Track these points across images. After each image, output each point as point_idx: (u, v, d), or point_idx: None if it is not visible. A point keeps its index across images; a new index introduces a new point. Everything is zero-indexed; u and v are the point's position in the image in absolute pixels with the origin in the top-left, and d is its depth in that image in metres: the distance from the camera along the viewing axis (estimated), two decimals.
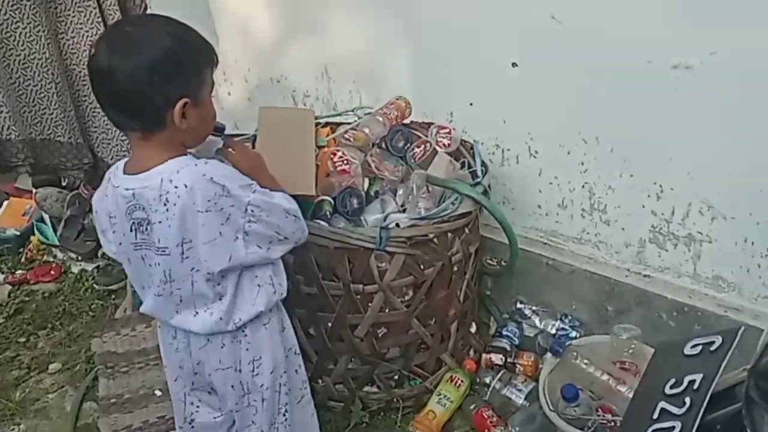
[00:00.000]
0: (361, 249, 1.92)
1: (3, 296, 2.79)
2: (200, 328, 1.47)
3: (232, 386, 1.55)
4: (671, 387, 1.01)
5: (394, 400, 2.15)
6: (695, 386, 0.98)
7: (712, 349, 1.03)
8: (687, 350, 1.06)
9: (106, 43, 1.31)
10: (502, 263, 2.40)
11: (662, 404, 0.99)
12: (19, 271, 2.92)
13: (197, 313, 1.46)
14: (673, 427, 0.93)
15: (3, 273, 2.92)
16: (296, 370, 1.67)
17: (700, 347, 1.04)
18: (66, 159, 2.69)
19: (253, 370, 1.54)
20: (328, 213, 2.02)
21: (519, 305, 2.38)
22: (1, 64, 2.63)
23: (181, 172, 1.32)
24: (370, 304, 2.01)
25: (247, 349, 1.52)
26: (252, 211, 1.38)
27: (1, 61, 2.62)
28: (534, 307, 2.36)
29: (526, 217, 2.40)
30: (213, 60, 1.39)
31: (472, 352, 2.31)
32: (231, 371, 1.53)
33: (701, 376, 0.98)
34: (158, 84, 1.29)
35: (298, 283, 2.02)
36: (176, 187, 1.31)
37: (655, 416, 0.98)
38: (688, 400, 0.96)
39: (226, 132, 1.55)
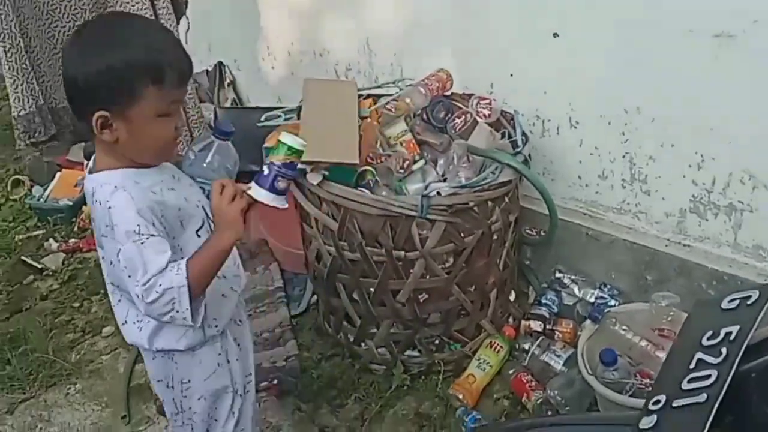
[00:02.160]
0: (403, 216, 1.97)
1: (57, 264, 2.92)
2: (126, 337, 1.47)
3: (168, 399, 1.55)
4: (708, 339, 1.04)
5: (435, 363, 2.21)
6: (731, 337, 1.01)
7: (749, 302, 1.06)
8: (724, 305, 1.08)
9: (69, 41, 1.35)
10: (542, 233, 2.43)
11: (699, 354, 1.02)
12: (72, 240, 3.04)
13: (126, 322, 1.45)
14: (709, 375, 0.97)
15: (57, 242, 3.04)
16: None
17: (737, 301, 1.07)
18: None
19: (182, 391, 1.51)
20: (371, 182, 2.07)
21: (558, 274, 2.41)
22: (46, 35, 2.75)
23: (103, 188, 1.30)
24: (411, 271, 2.07)
25: (176, 368, 1.49)
26: (119, 259, 1.29)
27: (47, 32, 2.74)
28: (573, 277, 2.39)
29: (565, 188, 2.42)
30: (157, 79, 1.23)
31: (511, 320, 2.35)
32: (163, 385, 1.53)
33: (737, 328, 1.01)
34: (76, 95, 1.28)
35: (342, 249, 2.08)
36: (96, 200, 1.31)
37: (692, 366, 1.01)
38: (724, 350, 1.00)
39: (225, 132, 1.44)
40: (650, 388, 1.64)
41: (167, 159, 1.38)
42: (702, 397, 0.94)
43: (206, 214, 1.40)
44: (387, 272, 2.07)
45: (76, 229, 3.13)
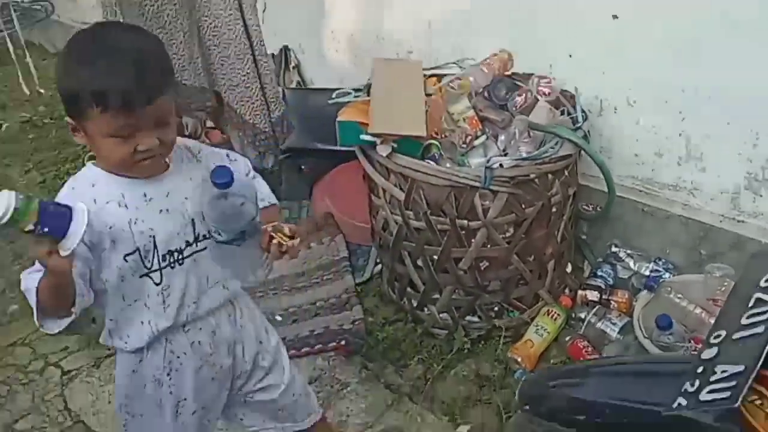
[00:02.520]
0: (467, 187, 2.09)
1: None
2: None
3: None
4: (767, 281, 1.13)
5: (495, 328, 2.33)
6: None
7: None
8: None
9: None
10: (598, 209, 2.52)
11: (758, 294, 1.11)
12: None
13: None
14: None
15: None
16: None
17: None
18: (191, 101, 2.96)
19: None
20: (436, 155, 2.19)
21: (614, 249, 2.50)
22: (138, 12, 2.91)
23: (70, 181, 1.36)
24: (473, 240, 2.18)
25: None
26: None
27: (139, 10, 2.91)
28: (628, 251, 2.48)
29: (622, 166, 2.50)
30: (100, 103, 1.20)
31: (567, 291, 2.45)
32: None
33: None
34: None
35: (408, 219, 2.21)
36: None
37: (751, 305, 1.11)
38: None
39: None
40: None
41: (146, 174, 1.34)
42: (760, 329, 1.03)
43: (154, 245, 1.35)
44: (450, 240, 2.19)
45: None
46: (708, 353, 1.10)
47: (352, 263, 2.75)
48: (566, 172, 2.20)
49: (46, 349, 2.54)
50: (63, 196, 1.32)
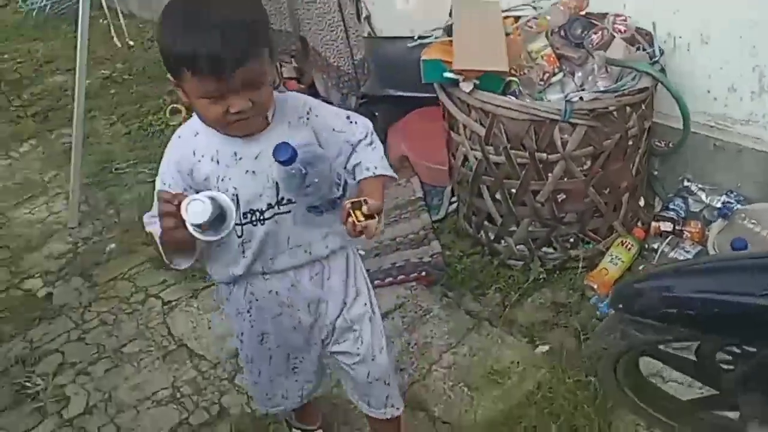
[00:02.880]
0: (546, 120, 2.18)
1: None
2: None
3: None
4: None
5: (570, 259, 2.43)
6: None
7: None
8: None
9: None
10: (670, 145, 2.59)
11: None
12: None
13: None
14: None
15: None
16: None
17: None
18: (276, 44, 3.12)
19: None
20: (516, 91, 2.29)
21: (686, 183, 2.57)
22: None
23: (178, 131, 1.47)
24: (551, 173, 2.28)
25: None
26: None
27: None
28: (700, 185, 2.55)
29: (694, 102, 2.54)
30: (191, 66, 1.24)
31: (640, 224, 2.53)
32: None
33: None
34: None
35: (488, 153, 2.32)
36: None
37: None
38: None
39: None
40: None
41: (241, 133, 1.37)
42: None
43: (237, 202, 1.38)
44: (529, 174, 2.30)
45: None
46: None
47: (428, 203, 2.88)
48: (643, 106, 2.27)
49: (146, 282, 2.74)
50: (174, 145, 1.43)
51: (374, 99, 3.18)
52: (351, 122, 1.50)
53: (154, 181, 1.46)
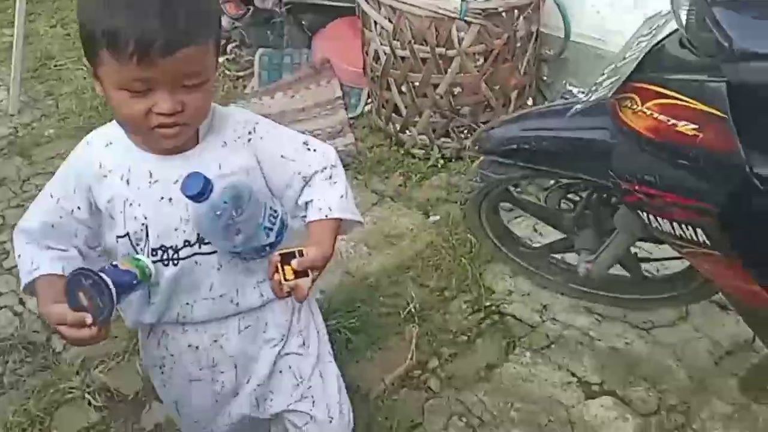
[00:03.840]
0: (445, 18, 2.49)
1: None
2: None
3: None
4: (648, 27, 1.56)
5: (464, 149, 2.77)
6: None
7: None
8: None
9: None
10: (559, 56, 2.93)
11: (640, 38, 1.55)
12: None
13: None
14: None
15: None
16: None
17: None
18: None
19: None
20: None
21: (569, 87, 2.92)
22: None
23: (90, 135, 1.20)
24: (449, 68, 2.60)
25: None
26: None
27: None
28: (582, 89, 2.89)
29: (581, 15, 2.87)
30: (111, 45, 0.96)
31: None
32: None
33: None
34: None
35: (395, 48, 2.62)
36: None
37: (634, 44, 1.54)
38: None
39: None
40: None
41: (162, 146, 1.10)
42: (635, 55, 1.47)
43: (146, 235, 1.14)
44: (430, 68, 2.61)
45: None
46: (600, 79, 1.56)
47: (346, 102, 3.17)
48: (529, 10, 2.60)
49: None
50: (77, 153, 1.17)
51: (301, 7, 3.42)
52: (308, 149, 1.23)
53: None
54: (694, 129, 1.29)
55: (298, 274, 1.09)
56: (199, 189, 1.00)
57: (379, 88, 2.82)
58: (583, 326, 2.06)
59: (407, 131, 2.83)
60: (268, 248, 1.09)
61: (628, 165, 1.46)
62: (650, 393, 1.85)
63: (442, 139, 2.80)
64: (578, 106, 1.64)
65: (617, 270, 2.00)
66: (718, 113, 1.25)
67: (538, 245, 2.21)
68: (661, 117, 1.35)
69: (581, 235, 1.94)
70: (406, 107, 2.77)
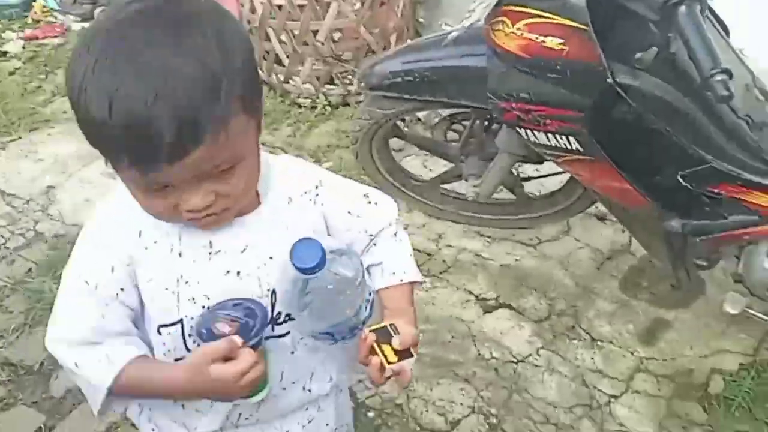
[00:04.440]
0: None
1: (18, 49, 3.33)
2: None
3: None
4: None
5: (350, 94, 2.81)
6: None
7: None
8: None
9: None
10: None
11: None
12: (29, 30, 3.44)
13: None
14: None
15: (14, 32, 3.44)
16: None
17: None
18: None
19: None
20: None
21: (445, 27, 3.00)
22: None
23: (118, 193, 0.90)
24: (327, 13, 2.62)
25: None
26: None
27: None
28: (456, 27, 2.99)
29: None
30: (105, 155, 0.79)
31: None
32: None
33: None
34: None
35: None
36: None
37: None
38: None
39: None
40: None
41: (211, 227, 0.88)
42: None
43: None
44: (308, 14, 2.62)
45: (29, 21, 3.53)
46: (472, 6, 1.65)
47: None
48: None
49: None
50: (100, 225, 0.92)
51: None
52: (368, 202, 1.03)
53: None
54: (560, 43, 1.40)
55: (400, 354, 0.90)
56: (318, 260, 0.81)
57: (258, 39, 2.80)
58: (475, 249, 2.17)
59: (291, 81, 2.83)
60: (362, 325, 0.90)
61: (504, 85, 1.56)
62: (541, 301, 1.99)
63: (327, 87, 2.83)
64: (453, 34, 1.72)
65: (504, 195, 2.12)
66: (581, 26, 1.36)
67: (428, 179, 2.30)
68: (530, 35, 1.44)
69: (467, 163, 2.04)
70: (287, 56, 2.77)
